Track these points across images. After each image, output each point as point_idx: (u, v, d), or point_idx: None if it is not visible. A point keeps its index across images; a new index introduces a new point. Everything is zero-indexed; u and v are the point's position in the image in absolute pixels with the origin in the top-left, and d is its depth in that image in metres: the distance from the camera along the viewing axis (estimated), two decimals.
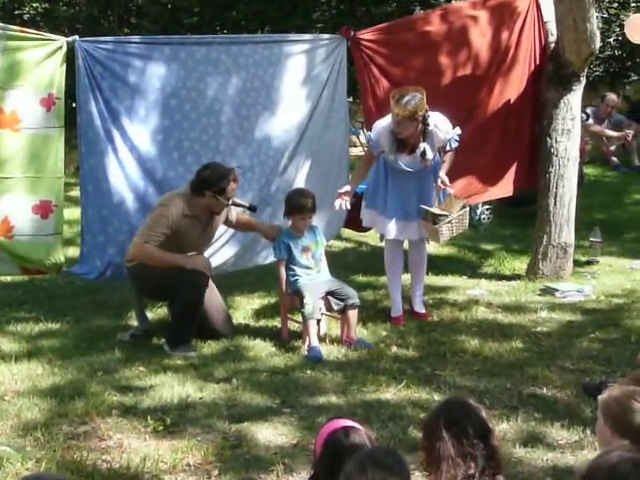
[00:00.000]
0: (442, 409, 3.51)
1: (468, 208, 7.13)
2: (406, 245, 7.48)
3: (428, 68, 7.85)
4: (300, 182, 7.69)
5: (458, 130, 7.05)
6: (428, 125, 6.86)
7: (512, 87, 8.16)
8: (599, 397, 3.68)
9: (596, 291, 7.92)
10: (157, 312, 7.32)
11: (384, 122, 6.96)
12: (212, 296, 6.72)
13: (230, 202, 6.60)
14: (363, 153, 8.46)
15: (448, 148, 7.01)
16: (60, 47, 6.67)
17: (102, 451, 4.84)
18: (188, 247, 6.62)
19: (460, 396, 3.70)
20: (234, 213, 6.95)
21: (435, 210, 6.98)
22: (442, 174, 6.96)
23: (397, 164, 7.01)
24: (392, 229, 7.12)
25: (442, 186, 6.94)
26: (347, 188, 7.02)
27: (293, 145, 7.70)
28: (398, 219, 7.09)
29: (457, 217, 6.99)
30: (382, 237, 7.44)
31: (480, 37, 8.02)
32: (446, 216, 6.95)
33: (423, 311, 7.32)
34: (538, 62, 8.19)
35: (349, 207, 7.09)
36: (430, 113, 6.88)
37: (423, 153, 6.91)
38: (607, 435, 3.57)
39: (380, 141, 6.97)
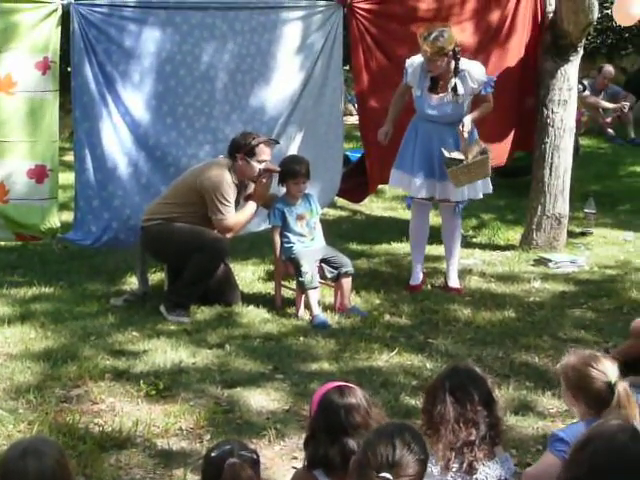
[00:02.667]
0: (448, 374, 3.53)
1: (488, 154, 6.85)
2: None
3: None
4: (294, 150, 7.66)
5: (493, 77, 7.02)
6: (459, 59, 6.79)
7: (509, 58, 8.15)
8: (559, 363, 3.75)
9: (589, 262, 7.93)
10: (152, 278, 7.30)
11: (420, 57, 6.88)
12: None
13: (262, 165, 6.58)
14: (358, 122, 8.39)
15: (483, 92, 6.93)
16: (55, 10, 6.62)
17: (94, 414, 4.87)
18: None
19: (467, 363, 3.71)
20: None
21: (451, 154, 6.83)
22: (466, 118, 6.83)
23: (424, 103, 6.91)
24: (418, 187, 6.99)
25: (461, 128, 6.80)
26: (385, 129, 7.12)
27: (287, 112, 7.66)
28: (424, 176, 6.96)
29: (474, 162, 6.78)
30: (409, 206, 7.38)
31: (474, 9, 7.98)
32: (460, 161, 6.80)
33: (456, 286, 7.18)
34: (536, 32, 8.17)
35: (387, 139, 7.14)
36: (463, 59, 6.84)
37: (454, 88, 6.80)
38: (570, 399, 3.70)
39: (410, 72, 6.94)
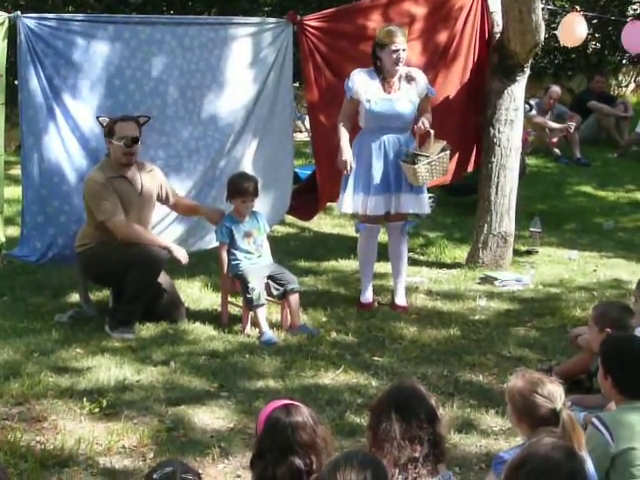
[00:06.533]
0: (393, 391, 3.56)
1: (449, 151, 7.05)
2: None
3: (369, 60, 7.84)
4: (245, 166, 7.64)
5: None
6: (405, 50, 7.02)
7: (455, 78, 8.20)
8: (505, 384, 3.79)
9: (534, 281, 8.00)
10: (97, 295, 7.24)
11: (361, 70, 7.03)
12: (163, 279, 6.71)
13: (125, 142, 6.48)
14: (308, 139, 8.39)
15: (430, 95, 7.16)
16: (2, 23, 6.56)
17: (36, 432, 4.82)
18: (131, 213, 6.56)
19: (412, 381, 3.74)
20: (168, 190, 6.87)
21: (415, 150, 6.92)
22: (424, 118, 6.98)
23: (375, 107, 6.93)
24: (374, 205, 7.00)
25: (422, 127, 6.91)
26: (345, 158, 7.01)
27: (238, 128, 7.64)
28: (382, 192, 6.99)
29: (437, 159, 6.91)
30: (357, 230, 7.39)
31: (422, 29, 8.03)
32: (426, 157, 6.89)
33: (403, 303, 7.21)
34: (483, 52, 8.25)
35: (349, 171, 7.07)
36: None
37: (408, 77, 7.03)
38: (515, 421, 3.78)
39: (357, 83, 6.97)
